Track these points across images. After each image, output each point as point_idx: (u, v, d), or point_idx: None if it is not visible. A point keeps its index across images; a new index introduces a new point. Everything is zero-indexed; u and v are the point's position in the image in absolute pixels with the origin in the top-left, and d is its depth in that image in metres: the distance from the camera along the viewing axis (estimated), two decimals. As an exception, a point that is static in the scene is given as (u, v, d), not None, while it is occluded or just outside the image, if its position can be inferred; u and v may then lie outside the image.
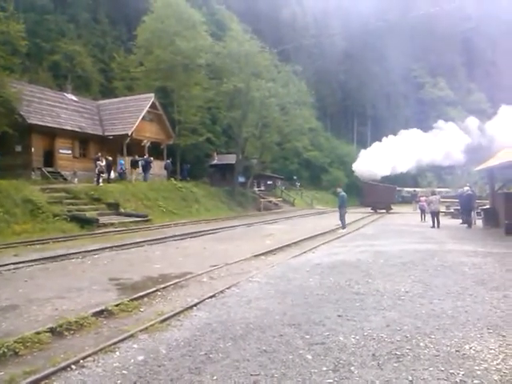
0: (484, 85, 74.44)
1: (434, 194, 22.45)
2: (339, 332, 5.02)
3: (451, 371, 3.90)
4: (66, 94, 30.94)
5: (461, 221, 21.73)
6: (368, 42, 70.03)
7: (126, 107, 30.97)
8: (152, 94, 31.45)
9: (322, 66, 66.30)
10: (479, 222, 20.64)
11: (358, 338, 4.83)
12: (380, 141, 49.90)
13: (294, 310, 5.94)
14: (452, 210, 28.40)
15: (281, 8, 68.42)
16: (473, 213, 20.76)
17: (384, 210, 35.88)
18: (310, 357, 4.30)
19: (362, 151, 50.73)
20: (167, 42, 32.37)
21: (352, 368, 4.02)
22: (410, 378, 3.80)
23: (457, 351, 4.41)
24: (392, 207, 37.66)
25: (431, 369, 3.98)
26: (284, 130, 36.28)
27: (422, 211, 24.86)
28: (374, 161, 45.45)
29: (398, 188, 44.48)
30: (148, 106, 30.75)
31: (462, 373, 3.88)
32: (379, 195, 36.90)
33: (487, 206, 21.76)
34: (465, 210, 21.02)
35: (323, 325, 5.30)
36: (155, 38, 33.41)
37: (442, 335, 4.88)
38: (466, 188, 21.76)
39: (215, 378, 3.87)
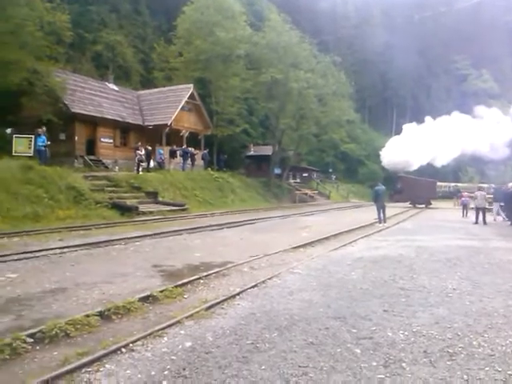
0: (530, 77, 71.29)
1: (480, 189, 21.70)
2: (387, 327, 4.92)
3: (509, 372, 3.75)
4: (107, 83, 31.59)
5: (504, 218, 21.04)
6: (410, 33, 68.07)
7: (166, 97, 31.37)
8: (191, 85, 31.71)
9: (361, 56, 65.10)
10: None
11: (406, 334, 4.72)
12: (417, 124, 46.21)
13: (338, 303, 5.86)
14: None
15: (320, -3, 67.48)
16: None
17: (423, 205, 35.02)
18: (358, 351, 4.22)
19: (392, 138, 47.50)
20: (207, 32, 32.42)
21: (403, 364, 3.93)
22: (466, 377, 3.68)
23: (513, 352, 4.24)
24: (431, 202, 36.71)
25: (487, 369, 3.84)
26: (321, 122, 35.89)
27: (464, 207, 24.14)
28: (407, 149, 41.73)
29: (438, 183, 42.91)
30: (187, 96, 31.05)
31: (522, 375, 3.73)
32: (419, 190, 36.01)
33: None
34: (509, 207, 20.30)
35: (369, 319, 5.20)
36: (195, 29, 33.53)
37: (496, 334, 4.71)
38: (511, 184, 21.00)
39: (263, 367, 3.86)
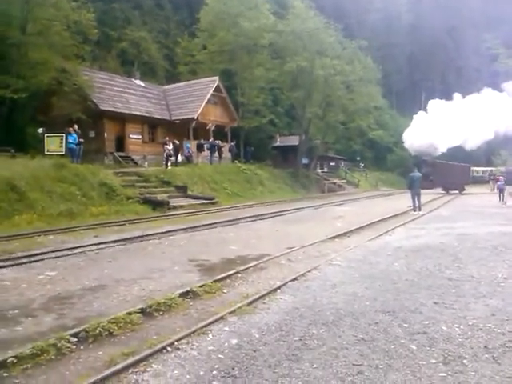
0: None
1: None
2: (440, 321, 4.68)
3: None
4: (134, 79, 31.77)
5: None
6: (437, 13, 66.07)
7: (192, 91, 31.30)
8: (216, 77, 31.53)
9: (387, 39, 63.56)
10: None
11: (462, 327, 4.47)
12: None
13: (384, 296, 5.63)
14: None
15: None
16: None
17: (457, 191, 34.01)
18: (414, 347, 4.00)
19: (415, 116, 43.54)
20: (230, 23, 32.18)
21: (464, 361, 3.70)
22: (536, 375, 3.42)
23: None
24: (465, 188, 35.65)
25: (557, 365, 3.56)
26: (349, 109, 35.20)
27: (501, 191, 23.30)
28: (433, 129, 38.15)
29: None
30: (212, 89, 30.87)
31: None
32: (452, 175, 34.96)
33: None
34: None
35: (420, 312, 4.96)
36: (218, 20, 33.34)
37: (560, 327, 4.41)
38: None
39: (315, 366, 3.69)
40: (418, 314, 4.90)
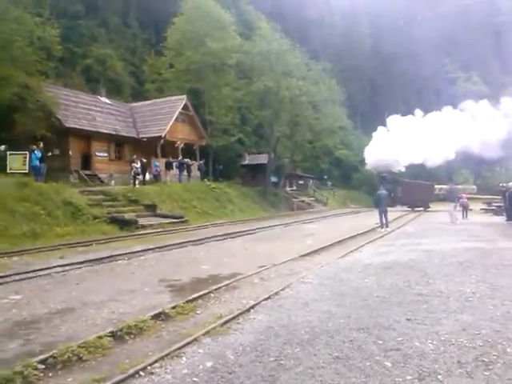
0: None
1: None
2: (413, 337, 4.73)
3: (553, 382, 3.57)
4: (99, 97, 31.37)
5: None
6: (397, 38, 68.70)
7: (159, 109, 31.18)
8: (184, 96, 31.55)
9: (350, 63, 65.37)
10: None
11: (435, 343, 4.53)
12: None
13: (357, 313, 5.66)
14: (494, 207, 27.53)
15: (308, 7, 67.71)
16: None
17: (421, 208, 34.87)
18: (389, 364, 4.02)
19: (375, 134, 44.13)
20: (197, 43, 32.35)
21: (439, 377, 3.75)
22: (508, 388, 3.49)
23: (551, 359, 4.05)
24: (430, 205, 36.60)
25: (529, 379, 3.65)
26: (315, 129, 35.72)
27: (464, 208, 24.05)
28: (394, 145, 38.82)
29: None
30: (180, 107, 30.86)
31: None
32: (417, 193, 35.88)
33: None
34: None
35: (393, 329, 5.01)
36: (185, 40, 33.47)
37: (528, 340, 4.53)
38: (511, 183, 21.11)
39: (292, 386, 3.65)
40: (391, 331, 4.95)
